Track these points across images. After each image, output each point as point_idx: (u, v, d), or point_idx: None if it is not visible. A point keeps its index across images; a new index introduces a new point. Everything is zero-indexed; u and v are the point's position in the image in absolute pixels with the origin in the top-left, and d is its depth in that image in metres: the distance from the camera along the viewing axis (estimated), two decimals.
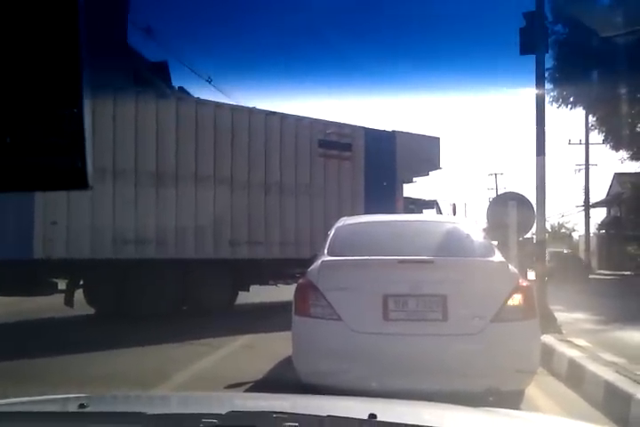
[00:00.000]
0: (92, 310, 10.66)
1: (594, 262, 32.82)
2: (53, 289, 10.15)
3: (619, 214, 34.30)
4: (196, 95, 15.06)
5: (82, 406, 1.60)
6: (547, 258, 13.32)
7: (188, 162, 10.60)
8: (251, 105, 12.45)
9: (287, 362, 4.95)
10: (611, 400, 4.39)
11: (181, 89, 19.32)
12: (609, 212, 37.36)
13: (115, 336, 7.73)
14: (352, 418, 1.48)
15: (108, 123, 9.72)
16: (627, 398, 4.13)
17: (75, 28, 1.04)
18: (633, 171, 26.91)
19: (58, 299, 10.08)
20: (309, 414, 1.50)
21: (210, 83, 19.67)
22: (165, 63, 19.96)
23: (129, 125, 9.99)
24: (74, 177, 1.07)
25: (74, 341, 7.34)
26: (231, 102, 14.18)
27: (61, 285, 10.31)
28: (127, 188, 9.97)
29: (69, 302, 10.10)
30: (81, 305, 10.28)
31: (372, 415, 1.46)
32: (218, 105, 11.43)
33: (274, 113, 11.78)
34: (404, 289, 4.41)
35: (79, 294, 10.43)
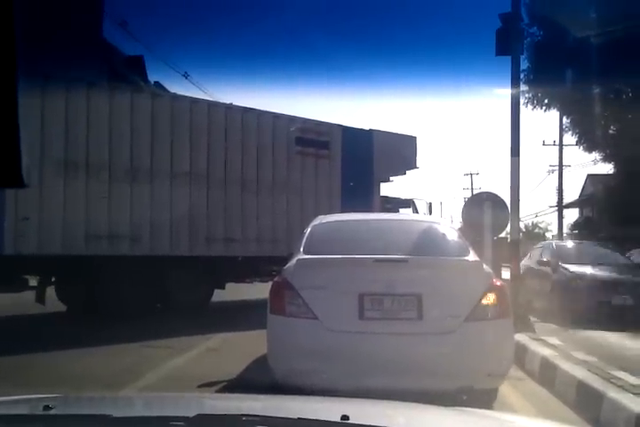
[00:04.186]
0: (63, 308, 10.48)
1: None
2: (24, 286, 9.96)
3: (591, 215, 34.83)
4: (172, 91, 14.92)
5: (47, 407, 1.56)
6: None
7: (164, 158, 10.46)
8: (228, 102, 12.38)
9: (262, 361, 4.91)
10: (583, 399, 4.44)
11: (157, 84, 19.11)
12: (581, 212, 37.93)
13: (86, 334, 7.61)
14: (323, 420, 1.45)
15: (81, 117, 9.56)
16: (598, 396, 4.18)
17: (9, 20, 1.00)
18: (605, 172, 27.36)
19: (29, 296, 9.90)
20: (279, 417, 1.47)
21: (186, 78, 19.53)
22: (141, 58, 19.73)
23: (103, 120, 9.82)
24: (8, 176, 1.05)
25: (43, 339, 7.22)
26: (208, 98, 14.10)
27: (32, 281, 10.12)
28: (101, 183, 9.80)
29: (41, 299, 9.92)
30: (52, 302, 10.10)
31: (345, 417, 1.44)
32: (194, 101, 11.31)
33: (251, 109, 11.70)
34: (380, 288, 4.40)
35: (51, 291, 10.26)
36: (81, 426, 1.38)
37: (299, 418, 1.42)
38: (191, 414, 1.41)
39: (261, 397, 2.21)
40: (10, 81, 1.00)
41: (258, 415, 1.45)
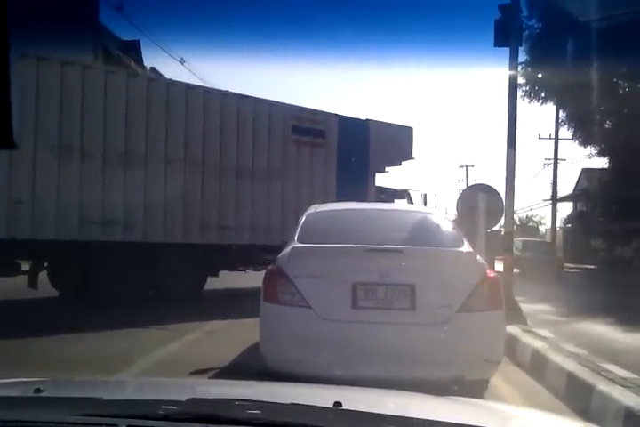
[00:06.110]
0: (56, 293, 10.46)
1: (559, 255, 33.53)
2: (17, 270, 9.92)
3: (585, 209, 35.00)
4: (168, 76, 14.80)
5: (37, 390, 1.55)
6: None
7: (158, 144, 10.40)
8: (224, 89, 12.29)
9: (254, 348, 4.92)
10: (573, 391, 4.47)
11: (153, 69, 19.00)
12: (575, 206, 38.10)
13: (79, 320, 7.59)
14: (316, 406, 1.45)
15: (75, 100, 9.48)
16: (588, 388, 4.20)
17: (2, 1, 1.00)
18: (600, 167, 27.44)
19: (21, 280, 9.87)
20: (272, 402, 1.47)
21: (182, 64, 19.39)
22: (137, 42, 19.59)
23: (97, 104, 9.75)
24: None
25: (36, 324, 7.19)
26: (204, 85, 14.00)
27: (25, 266, 10.08)
28: (95, 168, 9.74)
29: (33, 283, 9.89)
30: (45, 287, 10.08)
31: (337, 403, 1.43)
32: (190, 87, 11.23)
33: (247, 97, 11.64)
34: (373, 278, 4.40)
35: (43, 276, 10.23)
36: (71, 408, 1.37)
37: (292, 404, 1.42)
38: (183, 398, 1.40)
39: (254, 383, 2.20)
40: (1, 47, 0.99)
41: (251, 400, 1.45)
